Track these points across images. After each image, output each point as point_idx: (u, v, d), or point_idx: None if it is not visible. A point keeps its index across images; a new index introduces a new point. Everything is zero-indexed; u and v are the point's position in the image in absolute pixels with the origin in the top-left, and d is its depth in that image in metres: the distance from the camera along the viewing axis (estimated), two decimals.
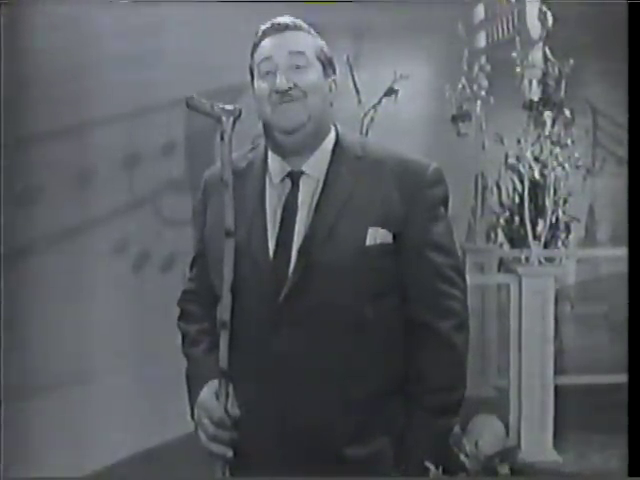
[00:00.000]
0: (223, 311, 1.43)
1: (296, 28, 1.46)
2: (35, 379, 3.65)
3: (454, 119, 4.55)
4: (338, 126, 1.53)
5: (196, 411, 1.50)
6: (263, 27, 1.47)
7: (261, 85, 1.45)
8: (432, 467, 1.40)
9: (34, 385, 3.67)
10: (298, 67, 1.43)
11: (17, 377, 3.56)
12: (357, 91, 3.73)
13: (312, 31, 1.49)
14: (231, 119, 1.42)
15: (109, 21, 3.97)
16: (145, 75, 4.04)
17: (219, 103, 1.43)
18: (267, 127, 1.47)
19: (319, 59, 1.47)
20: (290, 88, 1.41)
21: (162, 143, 4.24)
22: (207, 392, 1.49)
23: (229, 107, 1.43)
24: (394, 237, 1.42)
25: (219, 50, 4.05)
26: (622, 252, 3.51)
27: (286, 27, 1.45)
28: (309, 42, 1.46)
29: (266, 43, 1.45)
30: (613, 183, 5.80)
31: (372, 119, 3.76)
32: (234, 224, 1.42)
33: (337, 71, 1.52)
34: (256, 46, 1.47)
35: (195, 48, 4.10)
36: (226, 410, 1.45)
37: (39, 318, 3.68)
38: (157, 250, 4.17)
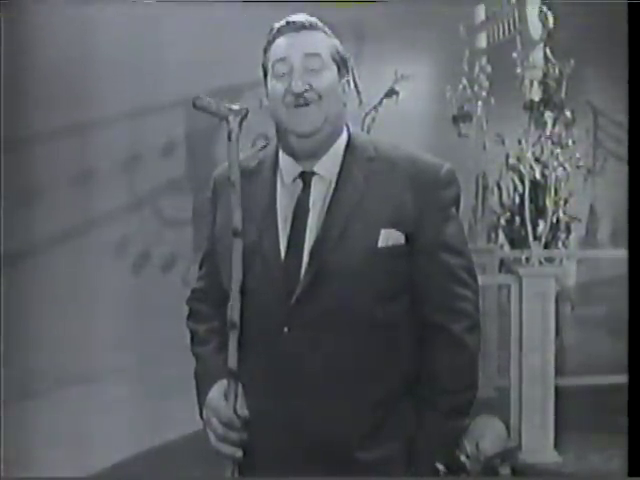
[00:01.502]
0: (232, 311, 1.42)
1: (312, 27, 1.43)
2: (35, 379, 3.65)
3: (455, 119, 4.55)
4: (350, 126, 1.51)
5: (205, 411, 1.49)
6: (277, 25, 1.44)
7: (275, 86, 1.43)
8: (443, 468, 1.40)
9: (34, 385, 3.67)
10: (313, 69, 1.41)
11: (17, 377, 3.56)
12: (358, 91, 3.72)
13: (327, 30, 1.46)
14: (238, 119, 1.40)
15: (109, 21, 3.97)
16: (145, 75, 4.04)
17: (226, 102, 1.42)
18: (281, 129, 1.45)
19: (334, 60, 1.45)
20: (306, 90, 1.40)
21: (162, 143, 4.25)
22: (216, 392, 1.48)
23: (236, 107, 1.41)
24: (406, 238, 1.41)
25: (220, 49, 4.05)
26: (622, 253, 3.51)
27: (302, 26, 1.42)
28: (325, 43, 1.44)
29: (281, 42, 1.43)
30: (614, 183, 5.81)
31: (373, 119, 3.77)
32: (243, 224, 1.40)
33: (350, 71, 1.50)
34: (270, 44, 1.45)
35: (196, 48, 4.10)
36: (235, 411, 1.44)
37: (40, 318, 3.68)
38: (157, 250, 4.17)
